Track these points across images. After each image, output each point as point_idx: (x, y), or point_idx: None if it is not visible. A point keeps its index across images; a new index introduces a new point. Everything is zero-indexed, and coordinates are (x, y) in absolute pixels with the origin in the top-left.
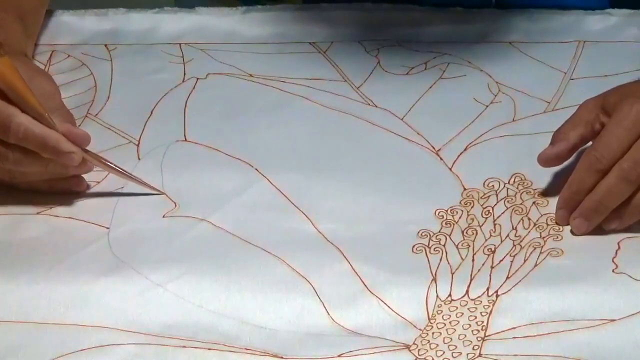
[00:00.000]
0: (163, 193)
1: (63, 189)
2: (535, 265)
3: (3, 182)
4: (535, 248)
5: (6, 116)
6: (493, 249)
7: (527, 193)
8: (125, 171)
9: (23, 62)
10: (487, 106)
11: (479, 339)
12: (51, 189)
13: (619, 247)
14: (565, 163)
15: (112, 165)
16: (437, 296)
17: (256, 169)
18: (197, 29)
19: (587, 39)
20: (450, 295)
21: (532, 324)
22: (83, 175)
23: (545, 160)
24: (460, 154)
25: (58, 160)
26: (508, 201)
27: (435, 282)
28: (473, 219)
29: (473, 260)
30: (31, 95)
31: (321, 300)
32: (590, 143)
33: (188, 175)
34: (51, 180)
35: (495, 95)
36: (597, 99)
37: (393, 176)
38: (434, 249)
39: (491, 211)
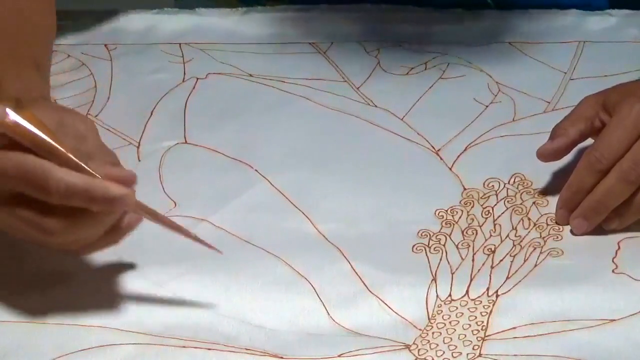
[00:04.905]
0: (221, 252)
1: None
2: (535, 265)
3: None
4: (535, 248)
5: (42, 172)
6: (493, 249)
7: (527, 193)
8: (180, 227)
9: (48, 106)
10: (487, 106)
11: (479, 339)
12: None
13: (619, 247)
14: (565, 162)
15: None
16: (437, 296)
17: (256, 170)
18: (197, 29)
19: (587, 39)
20: (450, 295)
21: (532, 324)
22: None
23: (543, 155)
24: (460, 154)
25: (111, 209)
26: (508, 201)
27: (435, 282)
28: (473, 219)
29: (473, 260)
30: (61, 147)
31: (321, 300)
32: (589, 140)
33: (188, 175)
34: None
35: (495, 95)
36: (598, 96)
37: (393, 176)
38: (434, 248)
39: (491, 211)
